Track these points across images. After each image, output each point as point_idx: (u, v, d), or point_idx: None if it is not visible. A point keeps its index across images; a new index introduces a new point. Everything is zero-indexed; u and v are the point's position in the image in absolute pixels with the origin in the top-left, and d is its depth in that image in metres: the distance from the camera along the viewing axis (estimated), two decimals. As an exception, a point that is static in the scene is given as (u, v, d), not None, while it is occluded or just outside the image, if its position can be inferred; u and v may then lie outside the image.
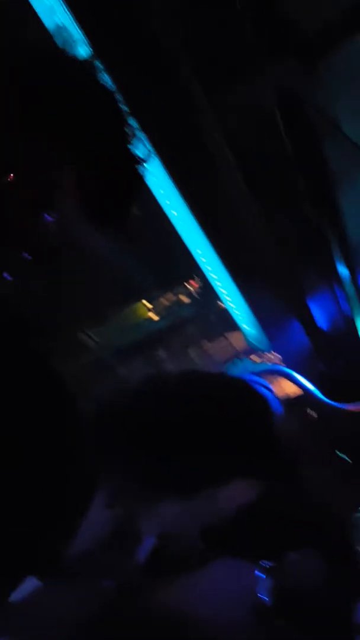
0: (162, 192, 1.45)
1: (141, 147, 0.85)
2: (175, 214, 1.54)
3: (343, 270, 1.50)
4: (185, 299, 2.04)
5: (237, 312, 1.72)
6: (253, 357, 1.84)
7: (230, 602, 1.22)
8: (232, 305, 1.72)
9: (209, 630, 1.11)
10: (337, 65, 1.18)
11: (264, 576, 1.80)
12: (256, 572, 1.42)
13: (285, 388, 2.21)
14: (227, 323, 1.95)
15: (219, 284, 1.71)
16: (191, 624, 1.10)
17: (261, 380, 1.71)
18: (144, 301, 2.20)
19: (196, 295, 1.97)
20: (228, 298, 1.72)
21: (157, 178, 1.37)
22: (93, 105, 0.78)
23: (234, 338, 2.41)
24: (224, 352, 2.31)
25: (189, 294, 2.03)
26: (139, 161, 0.85)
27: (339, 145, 1.31)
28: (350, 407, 1.55)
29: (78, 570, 1.03)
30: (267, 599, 1.29)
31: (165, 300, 2.10)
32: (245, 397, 1.36)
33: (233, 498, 1.17)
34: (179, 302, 2.03)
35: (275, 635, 1.14)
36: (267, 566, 1.61)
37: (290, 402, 2.43)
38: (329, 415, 1.81)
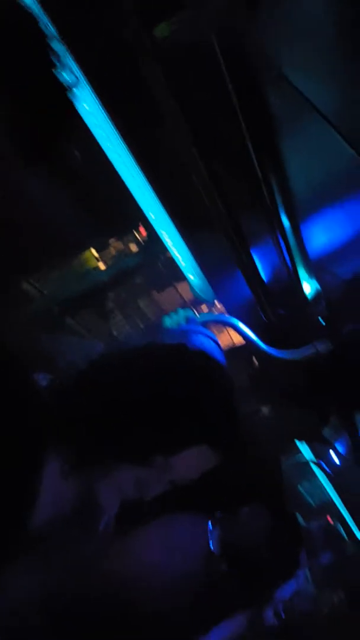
0: (102, 134, 1.39)
1: (69, 74, 0.80)
2: (119, 158, 1.49)
3: (285, 221, 1.50)
4: (133, 248, 2.01)
5: (182, 261, 1.71)
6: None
7: (182, 554, 1.23)
8: (177, 254, 1.71)
9: (159, 581, 1.12)
10: (280, 10, 1.13)
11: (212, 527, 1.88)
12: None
13: (230, 337, 2.25)
14: (176, 273, 1.93)
15: (164, 233, 1.69)
16: (142, 577, 1.10)
17: (206, 331, 1.72)
18: (92, 250, 2.16)
19: (144, 244, 1.94)
20: (173, 247, 1.70)
21: (98, 122, 1.31)
22: (10, 27, 0.72)
23: (182, 288, 2.41)
24: (173, 303, 2.32)
25: (137, 242, 2.00)
26: (65, 88, 0.79)
27: (283, 93, 1.28)
28: (291, 354, 1.59)
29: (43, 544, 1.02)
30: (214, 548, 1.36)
31: (114, 249, 2.06)
32: (201, 369, 1.31)
33: (189, 465, 1.14)
34: (127, 252, 2.00)
35: (221, 583, 1.17)
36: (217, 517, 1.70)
37: (234, 352, 2.49)
38: (270, 363, 1.86)
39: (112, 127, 1.32)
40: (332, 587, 2.87)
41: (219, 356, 1.68)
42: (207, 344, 1.75)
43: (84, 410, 1.00)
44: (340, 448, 2.51)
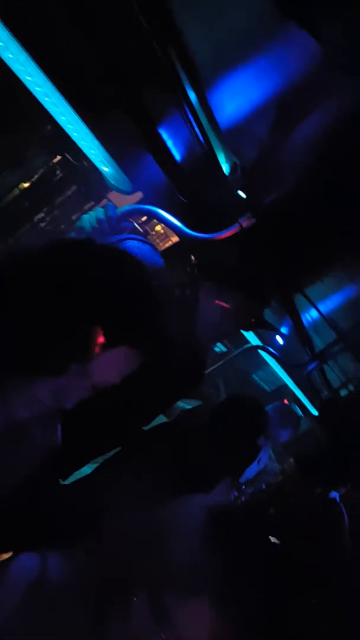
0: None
1: None
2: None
3: (190, 92, 1.40)
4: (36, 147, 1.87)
5: (92, 152, 1.60)
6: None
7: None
8: (85, 145, 1.59)
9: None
10: None
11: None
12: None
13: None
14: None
15: (70, 126, 1.56)
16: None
17: (138, 237, 1.65)
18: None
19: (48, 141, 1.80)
20: (80, 139, 1.59)
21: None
22: None
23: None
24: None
25: (41, 140, 1.85)
26: None
27: None
28: (215, 235, 1.56)
29: None
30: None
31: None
32: (113, 264, 1.21)
33: (109, 369, 1.07)
34: (33, 151, 1.86)
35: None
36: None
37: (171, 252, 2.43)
38: (202, 252, 1.82)
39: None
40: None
41: (143, 255, 1.62)
42: (131, 244, 1.69)
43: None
44: (284, 330, 2.57)
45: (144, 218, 3.03)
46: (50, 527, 1.10)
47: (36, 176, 2.12)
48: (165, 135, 1.46)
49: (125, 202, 1.83)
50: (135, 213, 1.60)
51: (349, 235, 1.81)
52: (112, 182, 1.67)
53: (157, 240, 3.01)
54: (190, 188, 1.47)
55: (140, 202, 1.93)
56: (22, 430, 1.02)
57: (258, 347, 2.67)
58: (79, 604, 0.83)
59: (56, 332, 0.89)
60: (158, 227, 3.09)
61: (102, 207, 1.66)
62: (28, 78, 1.45)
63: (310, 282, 2.14)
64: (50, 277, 0.92)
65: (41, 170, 1.95)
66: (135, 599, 0.79)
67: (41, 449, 1.06)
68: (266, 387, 3.61)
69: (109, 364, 0.98)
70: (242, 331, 2.69)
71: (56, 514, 1.16)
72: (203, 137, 1.44)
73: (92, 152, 1.53)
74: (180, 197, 1.48)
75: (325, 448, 2.88)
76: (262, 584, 0.88)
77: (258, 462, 2.55)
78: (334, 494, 2.52)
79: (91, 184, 2.52)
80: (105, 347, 0.94)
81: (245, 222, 1.51)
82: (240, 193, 1.51)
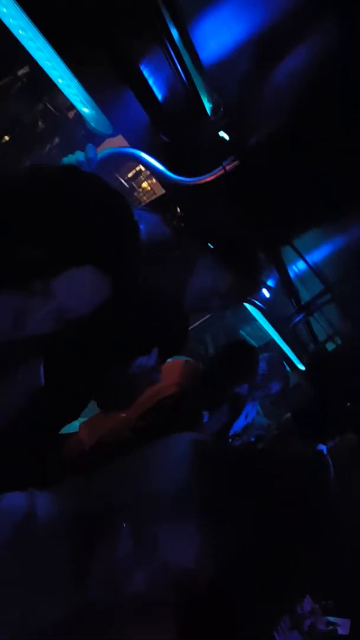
0: None
1: None
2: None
3: (173, 29, 1.34)
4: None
5: (73, 93, 1.54)
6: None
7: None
8: (66, 85, 1.53)
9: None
10: None
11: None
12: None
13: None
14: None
15: (54, 71, 1.50)
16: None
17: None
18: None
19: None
20: (60, 79, 1.53)
21: None
22: None
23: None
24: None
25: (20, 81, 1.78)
26: None
27: None
28: (198, 179, 1.52)
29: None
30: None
31: None
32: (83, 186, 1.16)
33: (73, 291, 1.04)
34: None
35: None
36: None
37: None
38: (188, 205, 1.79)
39: None
40: (280, 413, 3.10)
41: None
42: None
43: None
44: (270, 282, 2.56)
45: (130, 174, 2.97)
46: (38, 466, 1.11)
47: (17, 129, 2.05)
48: (146, 72, 1.41)
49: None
50: (117, 156, 1.56)
51: (337, 181, 1.78)
52: (93, 125, 1.62)
53: (144, 197, 2.96)
54: (172, 128, 1.43)
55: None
56: (4, 370, 1.00)
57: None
58: (67, 540, 0.83)
59: (17, 238, 0.86)
60: (144, 184, 3.04)
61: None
62: (11, 21, 1.39)
63: (297, 232, 2.12)
64: (20, 189, 0.89)
65: (22, 123, 1.89)
66: (124, 524, 0.78)
67: (25, 389, 1.05)
68: (254, 343, 3.62)
69: (73, 285, 0.93)
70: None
71: (44, 454, 1.17)
72: (185, 74, 1.39)
73: (73, 93, 1.47)
74: (162, 137, 1.44)
75: (314, 403, 2.92)
76: (248, 516, 0.89)
77: (246, 416, 2.58)
78: (322, 447, 2.57)
79: (74, 135, 2.46)
80: (67, 262, 0.91)
81: (229, 165, 1.48)
82: (224, 134, 1.46)
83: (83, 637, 0.77)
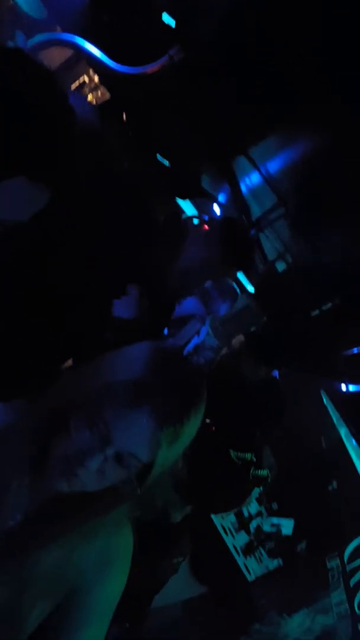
0: None
1: None
2: None
3: None
4: None
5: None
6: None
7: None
8: None
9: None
10: None
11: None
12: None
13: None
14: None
15: None
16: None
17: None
18: None
19: None
20: None
21: None
22: None
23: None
24: None
25: None
26: None
27: None
28: (146, 67, 1.39)
29: None
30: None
31: None
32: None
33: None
34: None
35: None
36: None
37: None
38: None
39: None
40: (229, 335, 3.10)
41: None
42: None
43: None
44: (221, 198, 2.48)
45: (74, 85, 2.74)
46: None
47: None
48: None
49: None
50: (51, 43, 1.39)
51: (292, 81, 1.68)
52: (24, 7, 1.43)
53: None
54: (113, 9, 1.28)
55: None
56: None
57: (194, 217, 2.58)
58: (23, 443, 0.86)
59: None
60: (90, 97, 2.83)
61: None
62: None
63: (252, 140, 2.02)
64: None
65: None
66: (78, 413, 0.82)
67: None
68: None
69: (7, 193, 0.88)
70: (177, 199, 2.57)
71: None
72: None
73: None
74: (102, 17, 1.29)
75: (266, 327, 2.93)
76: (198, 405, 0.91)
77: (198, 335, 2.57)
78: (275, 373, 2.61)
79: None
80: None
81: (175, 55, 1.35)
82: (169, 19, 1.32)
83: (44, 525, 0.83)
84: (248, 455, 1.79)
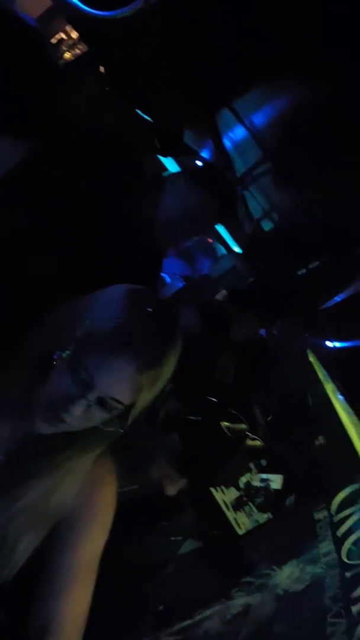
0: None
1: None
2: None
3: None
4: None
5: None
6: None
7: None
8: None
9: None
10: None
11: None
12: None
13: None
14: None
15: None
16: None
17: None
18: None
19: None
20: None
21: None
22: None
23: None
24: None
25: None
26: None
27: None
28: (119, 12, 1.32)
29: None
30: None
31: None
32: None
33: None
34: None
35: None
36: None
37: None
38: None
39: None
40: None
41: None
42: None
43: None
44: (205, 154, 2.41)
45: (54, 40, 2.62)
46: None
47: None
48: None
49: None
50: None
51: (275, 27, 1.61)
52: None
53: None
54: None
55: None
56: None
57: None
58: (7, 389, 0.90)
59: None
60: (67, 55, 2.73)
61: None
62: None
63: (237, 91, 1.95)
64: None
65: None
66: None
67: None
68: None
69: None
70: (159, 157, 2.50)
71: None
72: None
73: None
74: None
75: (252, 285, 2.90)
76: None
77: (181, 297, 2.55)
78: (262, 331, 2.60)
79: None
80: None
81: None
82: None
83: (28, 462, 0.88)
84: (242, 426, 1.80)
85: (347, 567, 1.52)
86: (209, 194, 1.58)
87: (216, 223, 1.87)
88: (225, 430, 1.66)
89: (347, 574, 1.49)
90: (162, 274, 2.40)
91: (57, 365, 0.84)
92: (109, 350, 0.82)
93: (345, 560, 1.55)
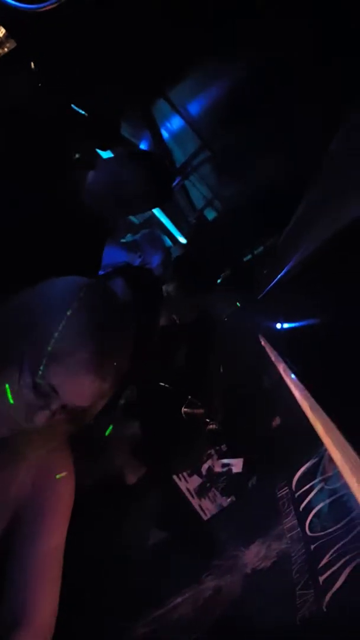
0: None
1: None
2: None
3: None
4: None
5: None
6: None
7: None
8: None
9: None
10: None
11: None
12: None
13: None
14: None
15: None
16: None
17: None
18: None
19: None
20: None
21: None
22: None
23: None
24: None
25: None
26: None
27: None
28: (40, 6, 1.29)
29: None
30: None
31: None
32: None
33: None
34: None
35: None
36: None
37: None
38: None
39: None
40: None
41: None
42: None
43: None
44: (143, 146, 2.41)
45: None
46: None
47: None
48: None
49: None
50: None
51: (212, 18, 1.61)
52: None
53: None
54: None
55: None
56: None
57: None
58: None
59: None
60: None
61: None
62: None
63: (171, 81, 1.94)
64: None
65: None
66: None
67: None
68: (135, 220, 3.51)
69: None
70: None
71: None
72: None
73: None
74: None
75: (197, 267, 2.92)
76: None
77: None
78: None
79: None
80: None
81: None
82: None
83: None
84: (200, 411, 1.81)
85: (311, 539, 1.56)
86: (140, 171, 1.55)
87: (150, 205, 1.82)
88: (184, 416, 1.66)
89: (312, 546, 1.54)
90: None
91: (21, 377, 0.83)
92: (69, 357, 0.81)
93: (309, 534, 1.60)
